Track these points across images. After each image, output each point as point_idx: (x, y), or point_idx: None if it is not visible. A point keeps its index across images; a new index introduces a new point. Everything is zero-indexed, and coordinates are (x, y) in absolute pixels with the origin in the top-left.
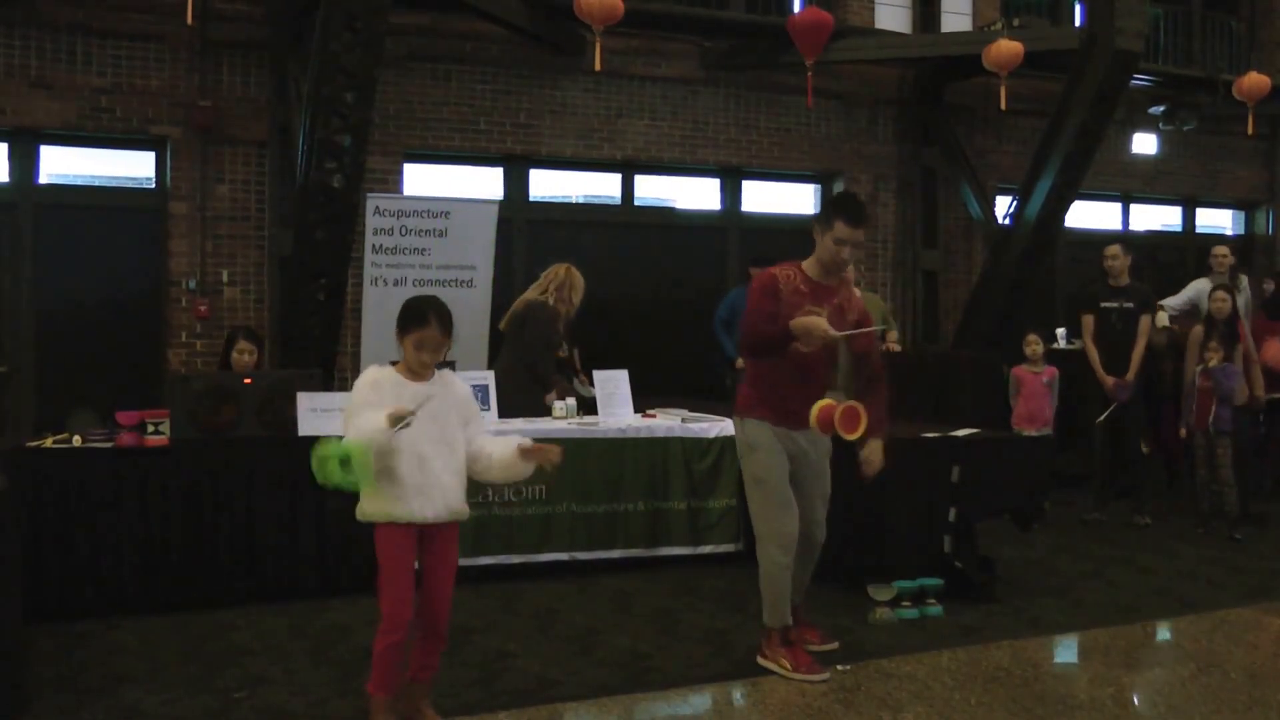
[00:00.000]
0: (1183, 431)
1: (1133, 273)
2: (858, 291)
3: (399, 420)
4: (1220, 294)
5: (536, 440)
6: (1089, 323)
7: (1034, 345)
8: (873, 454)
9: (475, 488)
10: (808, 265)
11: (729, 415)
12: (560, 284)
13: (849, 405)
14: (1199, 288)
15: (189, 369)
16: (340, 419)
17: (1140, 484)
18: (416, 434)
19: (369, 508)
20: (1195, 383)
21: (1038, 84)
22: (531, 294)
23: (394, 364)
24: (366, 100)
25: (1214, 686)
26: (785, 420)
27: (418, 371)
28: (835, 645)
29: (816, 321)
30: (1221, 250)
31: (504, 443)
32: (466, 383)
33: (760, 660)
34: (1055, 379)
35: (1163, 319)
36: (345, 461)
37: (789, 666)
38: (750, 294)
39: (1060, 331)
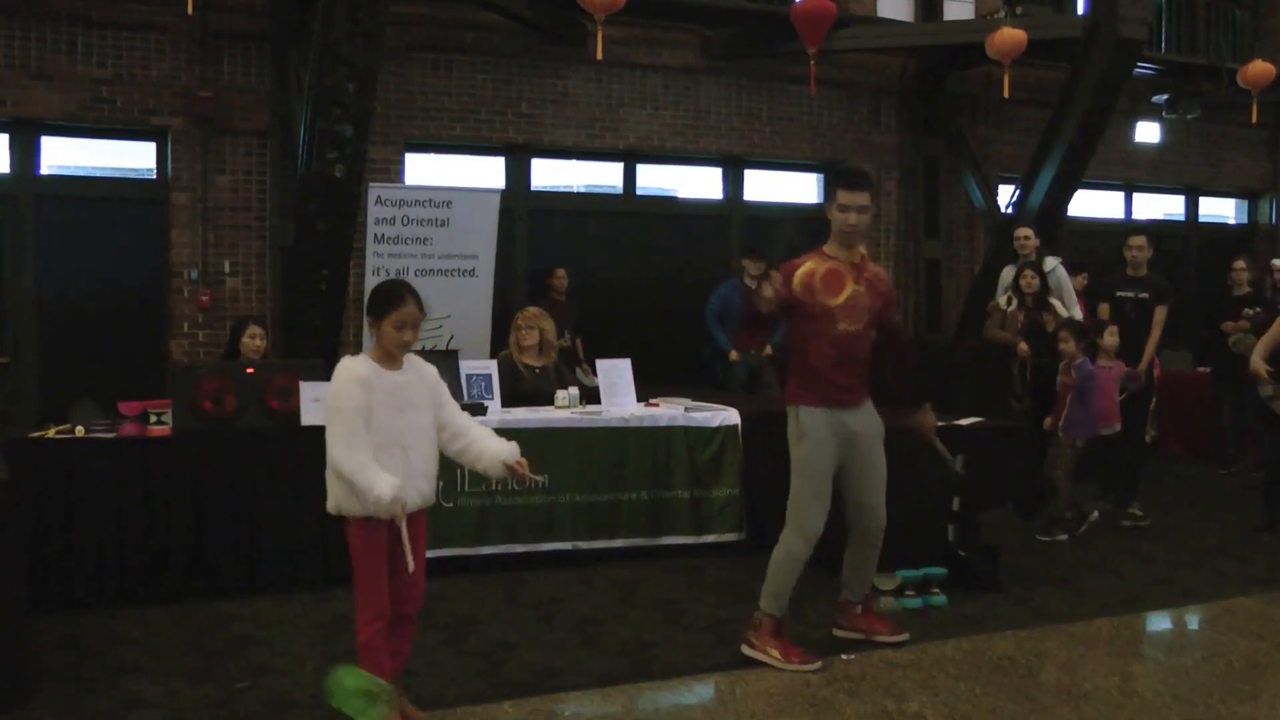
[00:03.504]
0: (1048, 422)
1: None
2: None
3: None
4: (1028, 273)
5: (537, 431)
6: (1104, 311)
7: (1111, 336)
8: (924, 420)
9: (479, 477)
10: (829, 248)
11: (731, 405)
12: (510, 331)
13: (831, 267)
14: (1006, 275)
15: (191, 359)
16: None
17: (1138, 473)
18: (400, 425)
19: (348, 505)
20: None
21: (1041, 73)
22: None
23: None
24: (368, 90)
25: (1217, 676)
26: (834, 401)
27: (394, 354)
28: (906, 636)
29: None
30: (1024, 233)
31: (498, 445)
32: (468, 372)
33: (745, 650)
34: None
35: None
36: (371, 696)
37: (779, 657)
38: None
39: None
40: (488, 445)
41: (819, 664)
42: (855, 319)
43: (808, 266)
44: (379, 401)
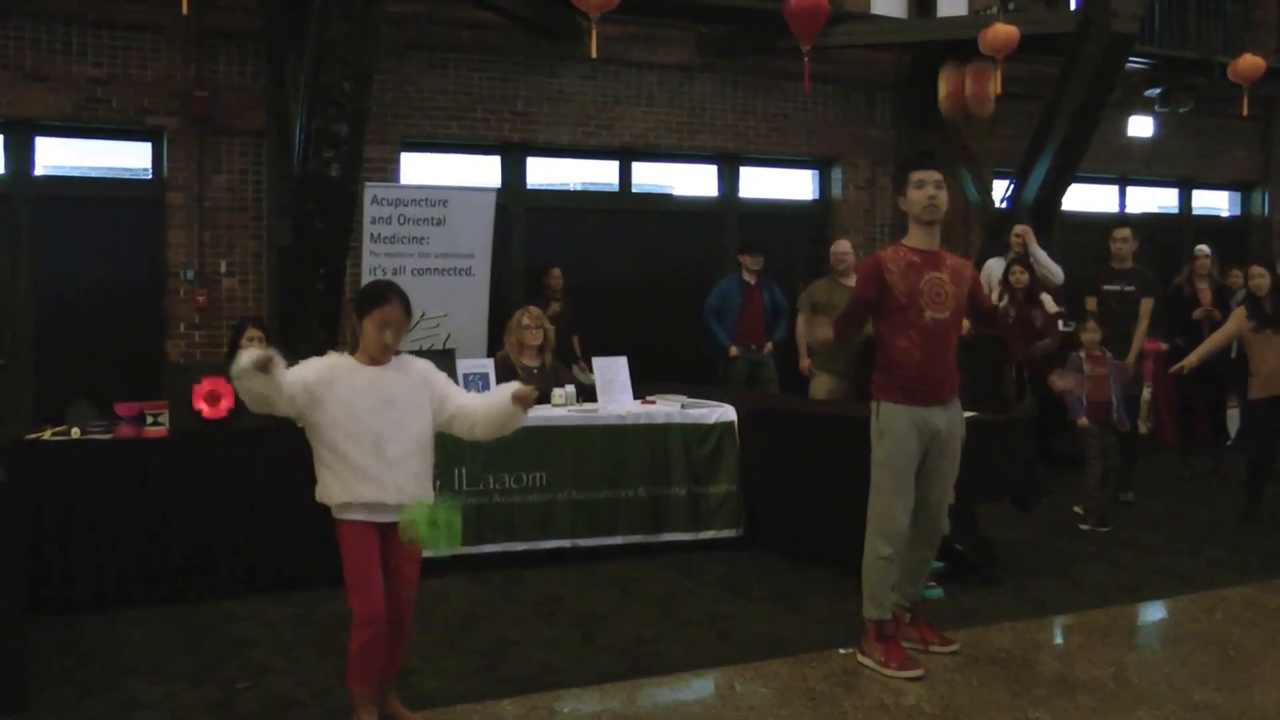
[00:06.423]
0: (1083, 420)
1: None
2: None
3: (261, 363)
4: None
5: (534, 429)
6: (1090, 304)
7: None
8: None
9: (477, 476)
10: (910, 238)
11: (728, 401)
12: (508, 332)
13: None
14: (990, 268)
15: (188, 360)
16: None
17: (1131, 463)
18: (376, 423)
19: (332, 488)
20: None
21: (1034, 67)
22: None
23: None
24: (364, 89)
25: (1213, 665)
26: (921, 398)
27: (376, 356)
28: (956, 646)
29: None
30: (1021, 228)
31: (491, 395)
32: (465, 371)
33: (859, 658)
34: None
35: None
36: (434, 523)
37: (881, 662)
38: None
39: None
40: (495, 397)
41: (920, 671)
42: (941, 306)
43: None
44: (346, 396)
